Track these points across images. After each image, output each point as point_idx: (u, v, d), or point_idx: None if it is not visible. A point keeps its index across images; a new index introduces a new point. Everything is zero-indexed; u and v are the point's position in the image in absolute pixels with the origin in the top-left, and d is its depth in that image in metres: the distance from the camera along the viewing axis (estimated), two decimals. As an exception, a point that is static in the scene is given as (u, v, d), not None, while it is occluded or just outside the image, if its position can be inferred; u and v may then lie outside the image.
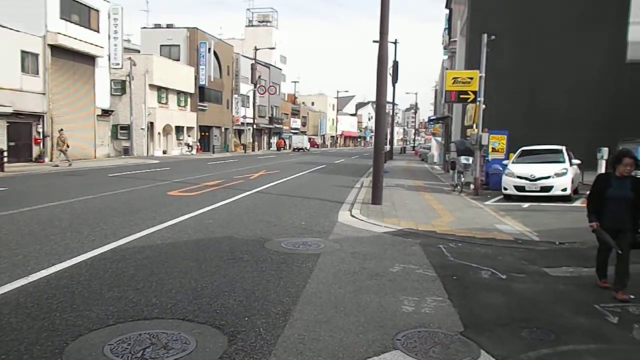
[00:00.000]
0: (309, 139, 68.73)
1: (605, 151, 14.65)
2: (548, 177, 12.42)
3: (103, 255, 6.16)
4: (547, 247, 7.30)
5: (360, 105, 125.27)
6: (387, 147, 35.48)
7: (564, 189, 12.32)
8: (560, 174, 12.48)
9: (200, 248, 6.67)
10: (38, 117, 24.50)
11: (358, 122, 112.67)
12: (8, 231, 7.48)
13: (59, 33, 24.98)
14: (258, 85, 50.20)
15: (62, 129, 23.52)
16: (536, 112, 21.05)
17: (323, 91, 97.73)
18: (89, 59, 28.10)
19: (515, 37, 21.02)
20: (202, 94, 42.58)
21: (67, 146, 22.84)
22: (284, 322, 4.06)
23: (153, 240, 7.06)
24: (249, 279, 5.25)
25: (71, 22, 26.31)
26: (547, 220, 9.70)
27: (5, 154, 19.86)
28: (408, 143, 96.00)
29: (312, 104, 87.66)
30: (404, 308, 4.47)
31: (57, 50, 25.24)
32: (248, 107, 51.45)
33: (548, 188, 12.34)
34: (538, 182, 12.42)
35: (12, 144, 22.66)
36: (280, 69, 67.29)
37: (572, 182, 12.74)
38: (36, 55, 24.21)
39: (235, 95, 49.72)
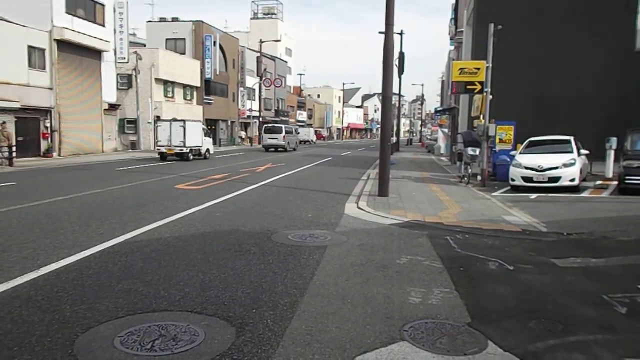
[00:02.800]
0: (315, 131, 68.64)
1: (614, 141, 14.55)
2: (556, 168, 12.34)
3: (112, 248, 6.21)
4: (555, 238, 7.26)
5: (366, 97, 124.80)
6: (394, 138, 35.33)
7: (572, 180, 12.24)
8: (568, 165, 12.39)
9: (208, 241, 6.70)
10: (46, 111, 24.62)
11: (364, 114, 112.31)
12: (17, 225, 7.56)
13: (65, 28, 25.04)
14: (264, 78, 50.15)
15: (4, 122, 20.00)
16: (544, 103, 20.89)
17: (329, 83, 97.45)
18: (95, 54, 28.16)
19: (523, 27, 20.80)
20: (208, 87, 42.60)
21: (11, 143, 19.34)
22: (291, 313, 4.08)
23: (161, 234, 7.11)
24: (256, 271, 5.27)
25: (77, 16, 26.34)
26: (555, 211, 9.65)
27: (14, 148, 20.01)
28: (414, 135, 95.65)
29: (318, 96, 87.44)
30: (411, 299, 4.47)
31: (64, 45, 25.30)
32: (254, 100, 51.43)
33: (556, 179, 12.27)
34: (546, 172, 12.35)
35: (20, 138, 22.81)
36: (286, 62, 67.17)
37: (581, 172, 12.66)
38: (43, 50, 24.30)
39: (241, 88, 49.69)
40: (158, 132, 24.14)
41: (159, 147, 23.98)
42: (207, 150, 26.35)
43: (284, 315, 4.04)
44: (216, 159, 25.99)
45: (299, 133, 42.77)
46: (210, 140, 27.81)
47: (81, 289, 4.65)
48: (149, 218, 8.25)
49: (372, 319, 3.99)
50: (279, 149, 35.01)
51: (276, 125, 37.45)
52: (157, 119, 31.23)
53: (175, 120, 25.59)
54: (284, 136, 35.48)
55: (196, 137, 24.76)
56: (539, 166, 12.44)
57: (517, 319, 4.05)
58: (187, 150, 23.68)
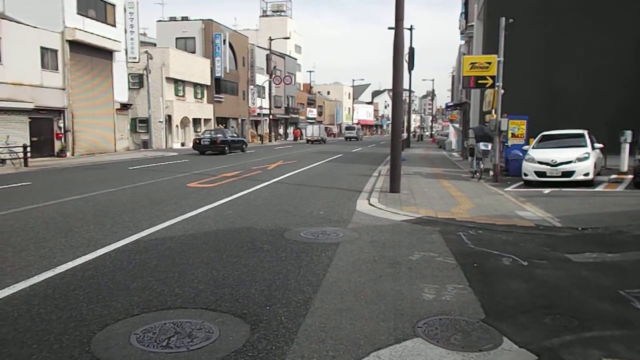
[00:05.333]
0: (326, 128, 68.61)
1: (629, 134, 14.34)
2: (569, 162, 12.20)
3: (126, 246, 6.27)
4: (570, 233, 7.19)
5: (376, 94, 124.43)
6: (404, 134, 35.24)
7: (586, 174, 12.10)
8: (582, 159, 12.24)
9: (221, 238, 6.74)
10: (59, 112, 24.92)
11: (374, 110, 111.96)
12: (34, 224, 7.67)
13: (77, 29, 25.28)
14: (273, 76, 50.16)
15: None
16: (557, 96, 20.63)
17: (338, 80, 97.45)
18: (107, 54, 28.41)
19: (534, 20, 20.55)
20: (218, 85, 42.76)
21: None
22: (305, 310, 4.10)
23: (174, 232, 7.17)
24: (270, 269, 5.30)
25: (88, 17, 26.60)
26: (569, 206, 9.55)
27: (28, 149, 20.28)
28: (425, 130, 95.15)
29: (328, 93, 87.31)
30: (424, 296, 4.46)
31: (75, 46, 25.56)
32: (264, 98, 51.52)
33: (570, 173, 12.13)
34: (559, 167, 12.22)
35: (34, 139, 23.12)
36: (295, 59, 67.13)
37: (595, 166, 12.50)
38: (55, 51, 24.57)
39: (251, 86, 49.80)
40: (307, 129, 53.18)
41: (308, 138, 50.24)
42: (326, 139, 52.37)
43: (297, 312, 4.05)
44: (330, 144, 47.08)
45: (361, 129, 72.27)
46: (326, 133, 54.33)
47: (97, 287, 4.71)
48: (162, 216, 8.32)
49: (386, 316, 3.99)
50: (352, 139, 59.86)
51: (352, 125, 70.16)
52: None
53: (315, 123, 58.50)
54: (356, 131, 62.93)
55: (322, 132, 51.23)
56: (552, 160, 12.31)
57: (532, 314, 4.02)
58: (320, 139, 49.28)
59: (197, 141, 28.46)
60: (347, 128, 65.55)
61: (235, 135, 31.94)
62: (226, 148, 27.91)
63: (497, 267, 5.42)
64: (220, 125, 44.23)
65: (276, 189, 12.25)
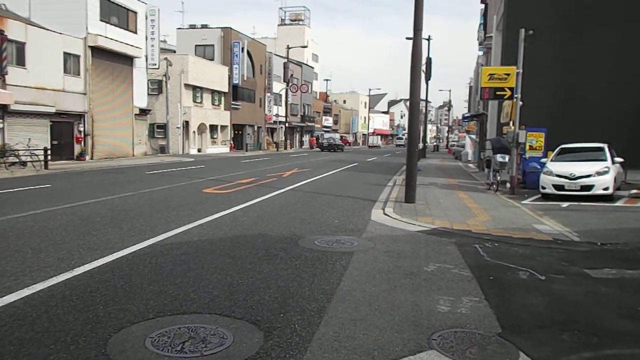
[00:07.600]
0: (341, 137, 68.70)
1: (650, 149, 14.07)
2: (589, 176, 12.03)
3: (142, 250, 6.33)
4: (588, 248, 7.07)
5: (392, 103, 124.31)
6: (420, 145, 35.15)
7: (606, 188, 11.91)
8: (601, 173, 12.06)
9: (236, 245, 6.77)
10: (79, 116, 25.36)
11: (390, 119, 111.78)
12: (53, 226, 7.79)
13: (99, 35, 25.77)
14: (290, 84, 50.50)
15: None
16: (576, 109, 20.38)
17: (355, 89, 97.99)
18: (127, 60, 28.87)
19: (554, 31, 20.40)
20: (236, 92, 43.15)
21: None
22: (318, 319, 4.08)
23: (190, 237, 7.22)
24: (284, 276, 5.30)
25: (110, 24, 27.09)
26: (588, 220, 9.40)
27: (49, 152, 20.64)
28: (441, 141, 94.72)
29: (344, 102, 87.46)
30: (439, 308, 4.42)
31: (97, 52, 26.04)
32: (280, 106, 51.82)
33: (589, 187, 11.95)
34: (578, 180, 12.05)
35: (55, 142, 23.54)
36: (312, 67, 67.46)
37: (615, 181, 12.30)
38: (77, 57, 25.05)
39: (268, 94, 50.13)
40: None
41: (369, 144, 77.32)
42: (380, 146, 73.86)
43: (311, 321, 4.04)
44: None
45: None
46: (381, 142, 75.94)
47: (113, 289, 4.76)
48: (178, 221, 8.39)
49: (400, 327, 3.96)
50: (402, 146, 70.65)
51: (401, 136, 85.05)
52: (186, 123, 36.18)
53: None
54: (404, 140, 73.26)
55: (379, 141, 79.15)
56: (571, 174, 12.15)
57: (549, 330, 3.95)
58: (377, 145, 73.05)
59: (320, 143, 52.67)
60: (398, 138, 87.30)
61: (339, 141, 53.74)
62: (336, 148, 49.41)
63: (514, 280, 5.35)
64: (237, 132, 44.70)
65: (291, 197, 12.28)
